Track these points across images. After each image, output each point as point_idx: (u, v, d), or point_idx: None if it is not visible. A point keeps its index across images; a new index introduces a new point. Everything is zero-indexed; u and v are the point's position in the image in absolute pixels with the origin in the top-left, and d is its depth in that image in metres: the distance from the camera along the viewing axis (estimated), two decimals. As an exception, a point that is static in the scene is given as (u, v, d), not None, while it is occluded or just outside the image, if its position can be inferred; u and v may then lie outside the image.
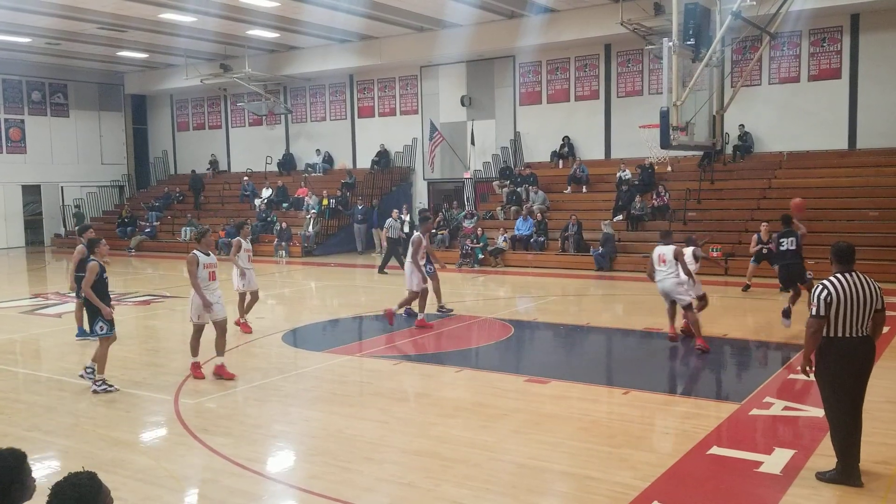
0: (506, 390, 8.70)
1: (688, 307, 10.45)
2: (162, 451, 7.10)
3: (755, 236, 15.95)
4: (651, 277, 10.81)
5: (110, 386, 8.91)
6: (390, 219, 20.84)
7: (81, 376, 9.16)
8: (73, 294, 11.89)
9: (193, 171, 32.64)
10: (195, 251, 9.44)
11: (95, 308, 8.90)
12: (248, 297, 12.39)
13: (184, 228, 27.96)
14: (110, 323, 8.96)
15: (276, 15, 22.83)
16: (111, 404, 8.46)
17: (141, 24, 23.55)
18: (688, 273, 10.51)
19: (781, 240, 12.05)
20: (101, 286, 9.01)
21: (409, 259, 12.80)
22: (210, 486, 6.26)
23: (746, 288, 15.39)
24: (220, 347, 9.39)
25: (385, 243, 20.76)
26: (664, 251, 10.56)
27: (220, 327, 9.39)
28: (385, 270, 19.90)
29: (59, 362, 10.68)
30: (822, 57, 20.68)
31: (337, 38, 25.96)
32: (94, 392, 8.77)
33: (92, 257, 9.14)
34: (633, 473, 6.11)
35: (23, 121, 31.21)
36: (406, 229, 24.03)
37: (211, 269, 9.44)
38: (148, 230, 28.99)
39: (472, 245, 21.38)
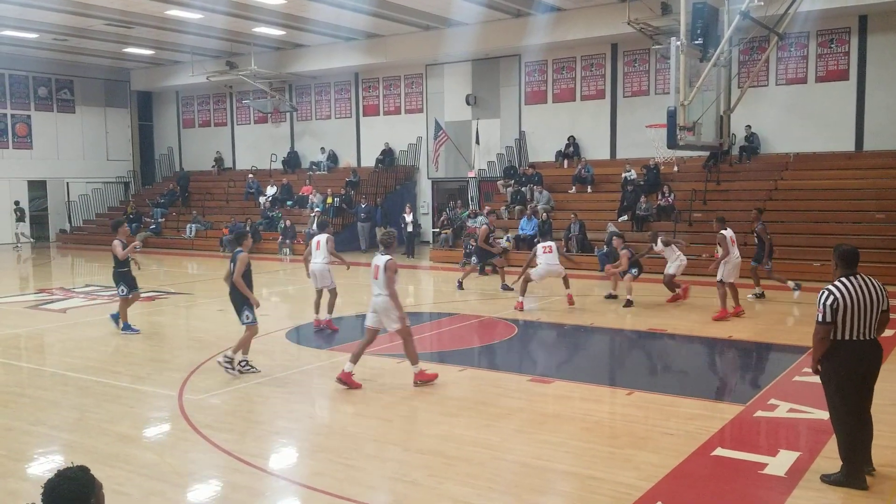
0: (509, 390, 8.69)
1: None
2: (166, 446, 7.10)
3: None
4: None
5: (253, 367, 9.43)
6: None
7: (219, 362, 9.45)
8: (123, 291, 12.03)
9: (181, 169, 33.23)
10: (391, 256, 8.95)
11: (242, 297, 9.36)
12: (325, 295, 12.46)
13: (189, 225, 28.00)
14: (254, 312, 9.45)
15: (283, 12, 22.83)
16: (116, 400, 8.47)
17: (148, 21, 23.58)
18: None
19: None
20: (249, 277, 9.49)
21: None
22: (213, 482, 6.27)
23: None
24: (410, 355, 8.93)
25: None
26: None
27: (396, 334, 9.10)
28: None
29: (64, 357, 10.70)
30: (830, 58, 20.61)
31: (343, 36, 25.96)
32: (240, 372, 9.27)
33: (240, 249, 9.50)
34: (637, 474, 6.10)
35: (29, 116, 31.27)
36: (410, 229, 24.13)
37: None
38: (153, 226, 29.03)
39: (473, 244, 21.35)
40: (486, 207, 23.05)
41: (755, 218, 14.94)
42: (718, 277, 12.88)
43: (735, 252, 12.92)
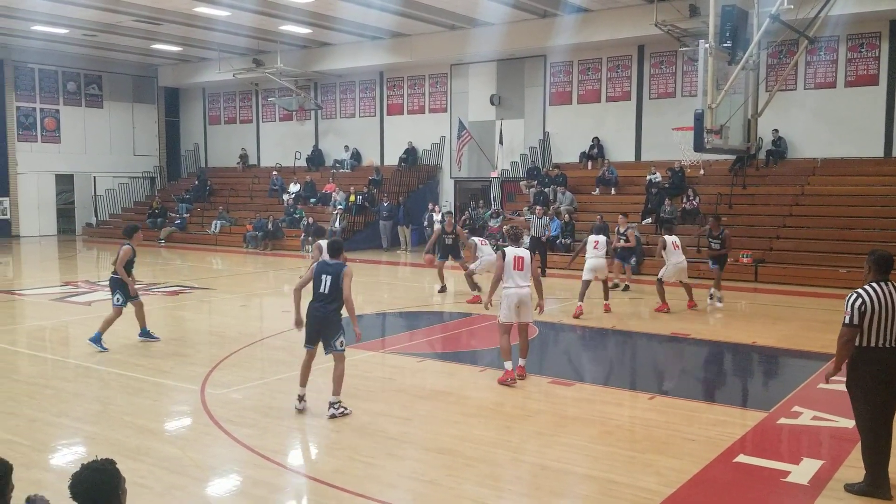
0: (529, 391, 8.66)
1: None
2: (187, 440, 7.15)
3: None
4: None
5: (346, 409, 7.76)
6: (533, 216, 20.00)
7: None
8: (119, 301, 10.81)
9: (200, 165, 33.80)
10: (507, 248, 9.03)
11: (337, 324, 7.67)
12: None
13: (214, 221, 28.21)
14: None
15: (310, 11, 22.93)
16: (138, 393, 8.54)
17: (176, 18, 23.78)
18: None
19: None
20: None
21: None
22: (234, 477, 6.30)
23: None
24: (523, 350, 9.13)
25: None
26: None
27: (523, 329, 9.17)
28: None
29: (88, 349, 10.79)
30: (860, 63, 20.35)
31: (369, 34, 26.03)
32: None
33: (342, 262, 7.90)
34: (658, 479, 6.05)
35: (58, 111, 31.65)
36: (436, 227, 24.11)
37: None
38: (178, 222, 29.28)
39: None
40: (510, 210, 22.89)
41: (714, 225, 14.79)
42: (658, 276, 13.95)
43: (674, 258, 13.68)
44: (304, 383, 7.78)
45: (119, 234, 30.18)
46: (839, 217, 18.89)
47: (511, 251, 8.99)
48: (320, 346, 7.74)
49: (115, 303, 10.75)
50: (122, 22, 24.58)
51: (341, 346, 7.64)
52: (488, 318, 13.36)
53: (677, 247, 13.74)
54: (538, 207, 19.93)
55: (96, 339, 10.59)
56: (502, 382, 8.76)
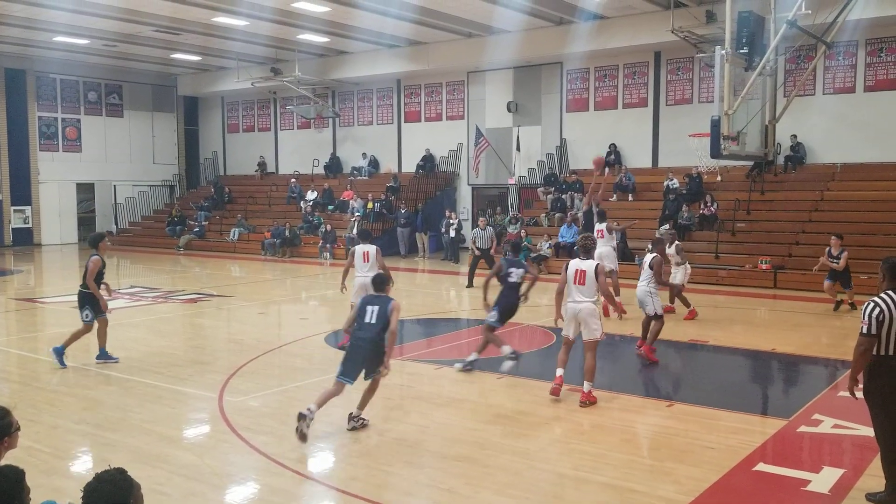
0: (547, 399, 8.62)
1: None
2: (206, 447, 7.19)
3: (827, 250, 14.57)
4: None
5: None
6: (477, 228, 19.58)
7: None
8: (87, 317, 10.31)
9: (217, 174, 34.21)
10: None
11: (377, 354, 7.48)
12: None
13: (233, 229, 28.39)
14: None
15: (327, 20, 23.06)
16: (158, 400, 8.60)
17: (195, 28, 24.01)
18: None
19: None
20: None
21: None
22: (251, 485, 6.33)
23: (838, 306, 14.58)
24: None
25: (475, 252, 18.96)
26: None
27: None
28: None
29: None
30: (880, 67, 20.19)
31: (386, 43, 26.14)
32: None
33: (390, 294, 7.90)
34: (677, 488, 6.02)
35: (79, 120, 32.02)
36: (453, 234, 24.16)
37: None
38: (196, 229, 29.48)
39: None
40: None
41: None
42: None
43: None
44: (319, 406, 7.25)
45: (138, 241, 30.58)
46: (859, 223, 18.70)
47: (574, 264, 8.56)
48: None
49: (85, 319, 10.22)
50: (142, 32, 24.85)
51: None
52: (506, 326, 13.33)
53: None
54: (481, 219, 20.11)
55: (59, 352, 10.09)
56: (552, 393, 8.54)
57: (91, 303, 10.25)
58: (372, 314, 7.50)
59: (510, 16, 22.02)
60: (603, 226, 14.66)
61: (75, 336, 10.33)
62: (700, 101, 22.56)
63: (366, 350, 7.44)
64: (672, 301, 13.84)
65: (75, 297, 10.39)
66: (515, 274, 9.95)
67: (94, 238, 10.71)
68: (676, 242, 13.88)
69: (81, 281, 10.32)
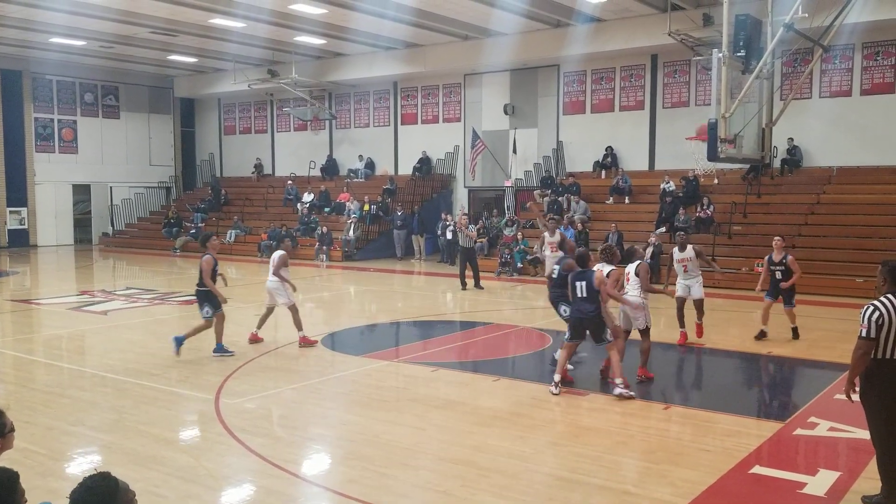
0: (543, 401, 8.63)
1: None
2: (202, 449, 7.17)
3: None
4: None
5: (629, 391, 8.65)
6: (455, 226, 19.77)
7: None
8: (208, 313, 10.90)
9: (214, 175, 34.03)
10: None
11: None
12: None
13: (229, 231, 28.36)
14: None
15: (324, 22, 23.08)
16: (153, 402, 8.58)
17: (192, 29, 24.00)
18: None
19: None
20: None
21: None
22: (248, 487, 6.32)
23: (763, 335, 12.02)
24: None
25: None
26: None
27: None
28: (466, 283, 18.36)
29: (104, 358, 10.89)
30: (876, 71, 20.24)
31: (382, 45, 26.15)
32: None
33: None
34: (673, 490, 6.02)
35: (75, 121, 31.98)
36: (449, 236, 24.17)
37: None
38: (193, 231, 29.43)
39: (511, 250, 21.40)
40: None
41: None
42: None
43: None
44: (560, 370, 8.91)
45: (134, 243, 30.50)
46: (855, 226, 18.75)
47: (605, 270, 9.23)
48: None
49: (205, 315, 10.80)
50: (138, 34, 24.83)
51: (610, 338, 8.86)
52: (502, 328, 13.34)
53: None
54: (462, 218, 20.31)
55: (179, 341, 10.59)
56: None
57: (209, 300, 10.81)
58: (581, 288, 8.79)
59: (507, 18, 22.05)
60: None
61: (197, 330, 10.82)
62: (697, 104, 22.60)
63: (584, 322, 8.86)
64: (700, 318, 11.97)
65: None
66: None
67: (203, 237, 11.48)
68: (691, 246, 11.95)
69: (198, 280, 10.94)
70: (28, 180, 30.51)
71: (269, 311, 11.91)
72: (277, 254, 11.67)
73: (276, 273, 11.47)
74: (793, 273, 11.74)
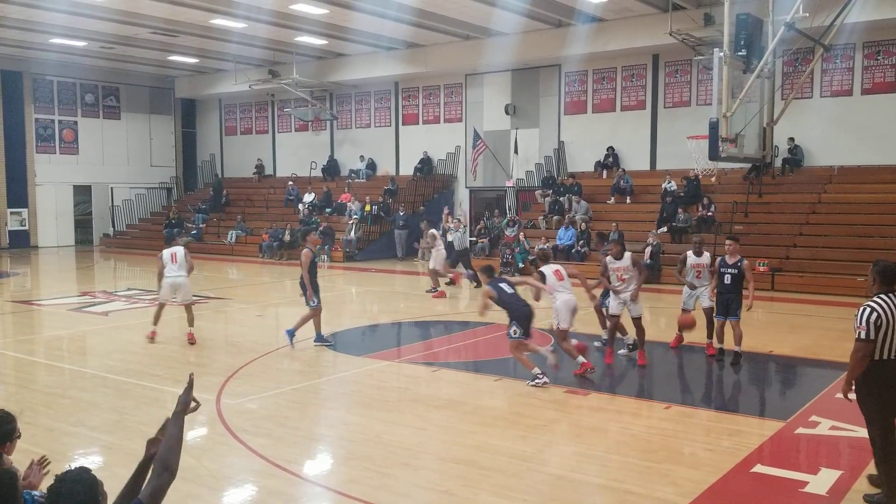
0: (545, 401, 8.63)
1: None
2: (203, 450, 7.17)
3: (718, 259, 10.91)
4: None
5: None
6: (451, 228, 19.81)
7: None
8: (311, 302, 11.39)
9: (216, 175, 33.95)
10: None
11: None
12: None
13: (231, 231, 28.37)
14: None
15: (325, 22, 23.08)
16: (154, 402, 8.58)
17: (192, 30, 24.00)
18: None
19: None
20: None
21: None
22: (249, 487, 6.32)
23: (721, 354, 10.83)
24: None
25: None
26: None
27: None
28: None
29: (105, 359, 10.88)
30: (877, 70, 20.22)
31: (383, 45, 26.15)
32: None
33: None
34: (675, 489, 6.01)
35: (76, 122, 31.99)
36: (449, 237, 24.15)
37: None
38: (194, 232, 29.45)
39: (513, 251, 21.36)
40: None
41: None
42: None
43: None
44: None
45: (135, 244, 30.49)
46: (856, 225, 18.73)
47: (548, 268, 10.20)
48: None
49: (311, 304, 11.37)
50: (139, 34, 24.84)
51: (514, 335, 9.54)
52: (503, 328, 13.32)
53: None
54: (455, 220, 20.39)
55: (291, 334, 11.31)
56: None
57: (315, 290, 11.30)
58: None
59: (508, 18, 22.04)
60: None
61: (304, 319, 11.38)
62: (698, 104, 22.58)
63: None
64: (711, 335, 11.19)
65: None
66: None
67: (304, 232, 12.19)
68: (706, 253, 11.21)
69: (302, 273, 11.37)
70: (29, 181, 30.53)
71: (162, 307, 12.07)
72: (181, 249, 12.14)
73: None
74: (745, 279, 10.38)
